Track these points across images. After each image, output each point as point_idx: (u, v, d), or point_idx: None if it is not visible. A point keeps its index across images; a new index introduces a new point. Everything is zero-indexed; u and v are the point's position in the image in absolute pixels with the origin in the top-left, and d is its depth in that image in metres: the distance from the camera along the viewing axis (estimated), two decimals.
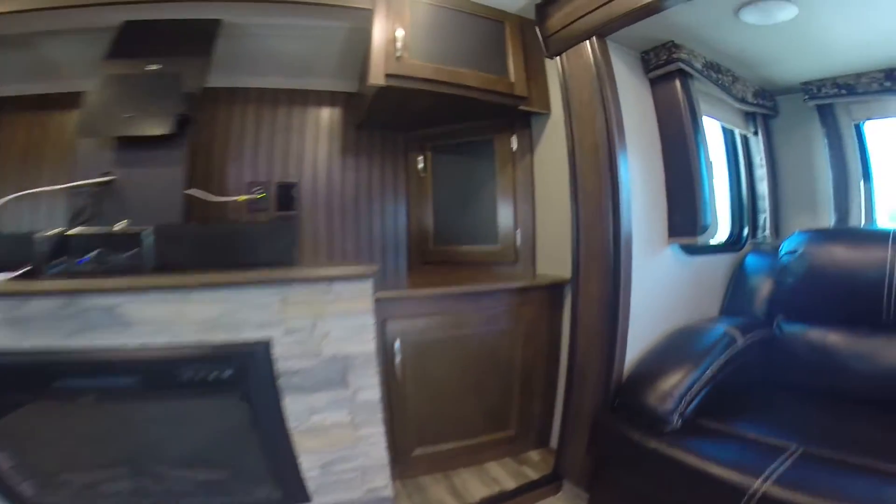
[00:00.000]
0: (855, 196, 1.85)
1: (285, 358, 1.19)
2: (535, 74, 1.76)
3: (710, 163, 1.60)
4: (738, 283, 1.87)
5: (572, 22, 1.56)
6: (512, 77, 1.70)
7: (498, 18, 1.72)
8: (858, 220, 1.85)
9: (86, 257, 1.20)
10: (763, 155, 1.99)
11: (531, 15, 1.72)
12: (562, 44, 1.61)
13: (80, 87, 1.69)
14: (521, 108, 1.74)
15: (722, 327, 1.58)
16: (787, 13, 1.38)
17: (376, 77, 1.49)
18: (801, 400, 1.46)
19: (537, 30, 1.69)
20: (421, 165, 2.02)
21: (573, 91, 1.58)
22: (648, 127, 1.64)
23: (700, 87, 1.66)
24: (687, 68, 1.57)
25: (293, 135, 1.97)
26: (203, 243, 1.28)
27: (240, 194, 1.85)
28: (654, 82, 1.64)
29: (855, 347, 1.50)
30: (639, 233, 1.52)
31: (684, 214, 1.58)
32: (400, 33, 1.50)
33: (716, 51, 1.65)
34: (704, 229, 1.58)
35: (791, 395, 1.49)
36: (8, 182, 1.78)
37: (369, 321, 1.27)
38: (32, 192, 1.42)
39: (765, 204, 1.98)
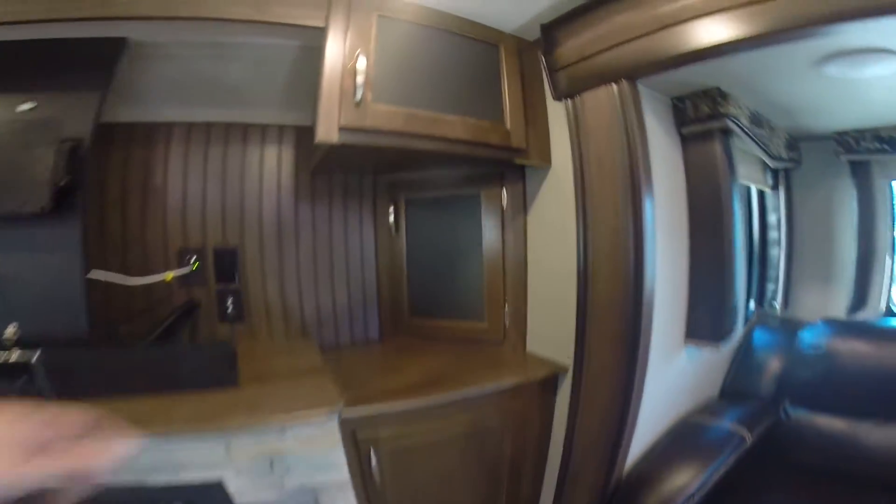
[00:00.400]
0: (878, 273, 1.62)
1: (242, 493, 0.96)
2: (535, 115, 1.36)
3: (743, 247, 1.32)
4: (743, 359, 1.70)
5: (592, 55, 1.18)
6: (508, 122, 1.30)
7: (492, 41, 1.30)
8: (878, 302, 1.64)
9: None
10: (780, 214, 1.72)
11: (530, 35, 1.31)
12: (576, 83, 1.23)
13: None
14: (518, 161, 1.35)
15: (728, 425, 1.44)
16: (883, 68, 1.06)
17: (327, 132, 1.05)
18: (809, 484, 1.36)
19: (542, 59, 1.29)
20: (392, 219, 1.60)
21: (588, 146, 1.22)
22: (675, 196, 1.31)
23: (739, 144, 1.34)
24: (733, 126, 1.23)
25: (232, 182, 1.48)
26: (113, 369, 1.06)
27: (167, 267, 1.38)
28: (687, 139, 1.30)
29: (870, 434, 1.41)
30: (654, 326, 1.23)
31: (710, 314, 1.30)
32: (362, 64, 1.06)
33: (764, 100, 1.32)
34: (729, 333, 1.31)
35: (798, 480, 1.38)
36: None
37: (339, 458, 1.05)
38: None
39: (777, 272, 1.73)
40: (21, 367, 0.95)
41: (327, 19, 1.07)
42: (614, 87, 1.15)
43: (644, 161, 1.14)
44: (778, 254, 1.71)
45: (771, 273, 1.73)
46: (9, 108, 1.10)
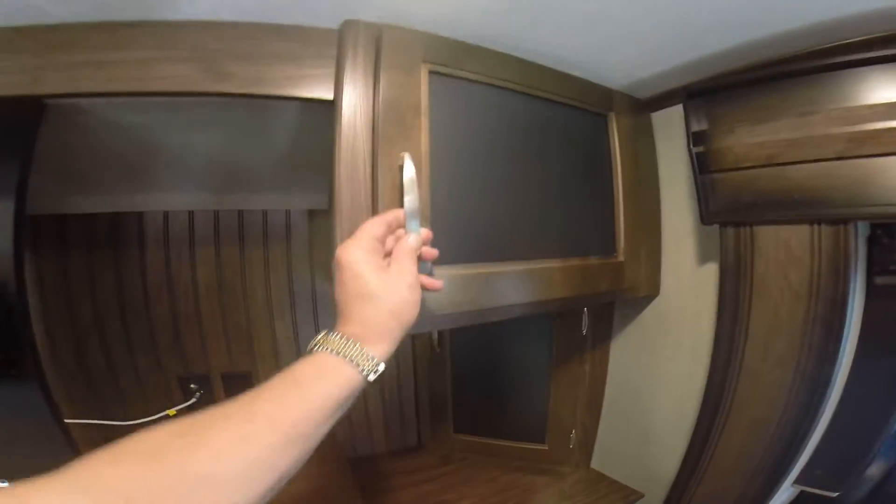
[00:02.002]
0: None
1: None
2: (642, 221, 0.98)
3: None
4: None
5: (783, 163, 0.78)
6: (621, 253, 0.92)
7: (602, 109, 0.90)
8: None
9: None
10: None
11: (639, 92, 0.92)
12: (748, 208, 0.83)
13: None
14: (622, 297, 0.99)
15: None
16: None
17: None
18: None
19: (692, 159, 0.87)
20: (435, 337, 1.26)
21: (754, 297, 0.85)
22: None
23: None
24: None
25: (234, 286, 1.14)
26: None
27: (168, 400, 1.10)
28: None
29: None
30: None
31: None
32: (410, 175, 0.61)
33: None
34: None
35: None
36: None
37: None
38: None
39: None
40: None
41: (339, 87, 0.65)
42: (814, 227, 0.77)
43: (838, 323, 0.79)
44: None
45: None
46: None
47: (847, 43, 0.72)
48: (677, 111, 0.89)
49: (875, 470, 1.03)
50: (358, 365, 0.44)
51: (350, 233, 0.53)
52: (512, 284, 0.76)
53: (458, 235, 0.70)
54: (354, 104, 0.65)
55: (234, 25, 0.65)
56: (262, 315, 1.16)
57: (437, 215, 0.68)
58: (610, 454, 1.23)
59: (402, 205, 0.58)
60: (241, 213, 1.12)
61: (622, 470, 1.20)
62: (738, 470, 0.91)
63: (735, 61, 0.82)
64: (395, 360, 1.33)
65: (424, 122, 0.68)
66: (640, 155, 0.96)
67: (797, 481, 1.09)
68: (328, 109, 0.66)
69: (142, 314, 1.07)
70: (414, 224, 0.57)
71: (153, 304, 1.07)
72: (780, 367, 0.83)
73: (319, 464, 1.21)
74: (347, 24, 0.66)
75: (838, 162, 0.72)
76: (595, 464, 1.26)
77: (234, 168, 1.00)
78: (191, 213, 1.08)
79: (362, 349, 0.45)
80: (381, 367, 0.46)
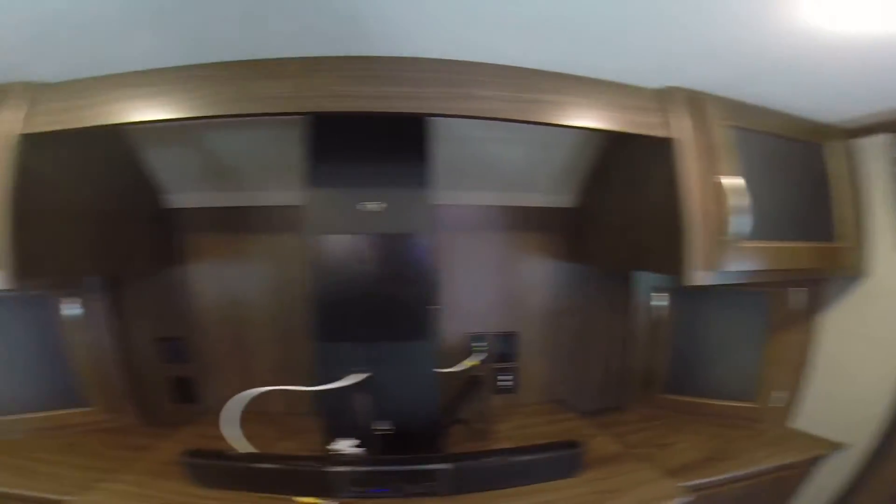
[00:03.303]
0: None
1: None
2: (855, 217, 1.30)
3: None
4: None
5: None
6: (841, 239, 1.26)
7: (815, 139, 1.26)
8: None
9: (384, 489, 1.08)
10: None
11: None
12: None
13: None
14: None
15: None
16: None
17: (698, 275, 1.05)
18: None
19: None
20: (663, 303, 1.61)
21: None
22: None
23: None
24: None
25: (506, 267, 1.58)
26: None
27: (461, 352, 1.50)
28: None
29: None
30: None
31: None
32: (734, 186, 1.03)
33: None
34: None
35: None
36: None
37: None
38: (281, 390, 1.15)
39: None
40: (425, 474, 1.09)
41: (680, 128, 1.06)
42: None
43: None
44: None
45: None
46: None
47: None
48: (881, 139, 1.24)
49: None
50: None
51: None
52: (787, 258, 1.14)
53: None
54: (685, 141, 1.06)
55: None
56: (526, 280, 1.63)
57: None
58: (814, 413, 1.47)
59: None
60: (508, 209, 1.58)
61: (825, 428, 1.42)
62: None
63: None
64: (616, 334, 1.69)
65: (726, 155, 1.08)
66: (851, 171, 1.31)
67: None
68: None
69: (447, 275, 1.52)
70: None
71: (457, 271, 1.55)
72: None
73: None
74: (671, 89, 1.09)
75: None
76: (800, 423, 1.49)
77: (521, 175, 1.46)
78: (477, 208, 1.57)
79: None
80: None
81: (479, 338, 1.57)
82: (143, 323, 1.54)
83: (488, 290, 1.59)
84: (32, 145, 0.98)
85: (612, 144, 1.38)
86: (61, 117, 0.97)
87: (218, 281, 1.54)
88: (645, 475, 1.19)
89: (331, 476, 1.07)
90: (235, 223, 1.52)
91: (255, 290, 1.54)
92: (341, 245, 1.09)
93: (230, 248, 1.53)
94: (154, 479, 1.15)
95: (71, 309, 1.43)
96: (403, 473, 1.09)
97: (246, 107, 0.95)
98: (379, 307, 1.12)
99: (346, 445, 1.16)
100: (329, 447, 1.16)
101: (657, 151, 1.09)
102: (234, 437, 1.17)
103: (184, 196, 1.48)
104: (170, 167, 1.40)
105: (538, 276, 1.62)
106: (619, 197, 1.37)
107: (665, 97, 1.08)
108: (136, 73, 0.97)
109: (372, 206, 1.10)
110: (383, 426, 1.18)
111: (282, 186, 1.46)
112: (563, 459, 1.18)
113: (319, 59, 0.94)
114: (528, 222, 1.59)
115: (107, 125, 0.96)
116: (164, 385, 1.56)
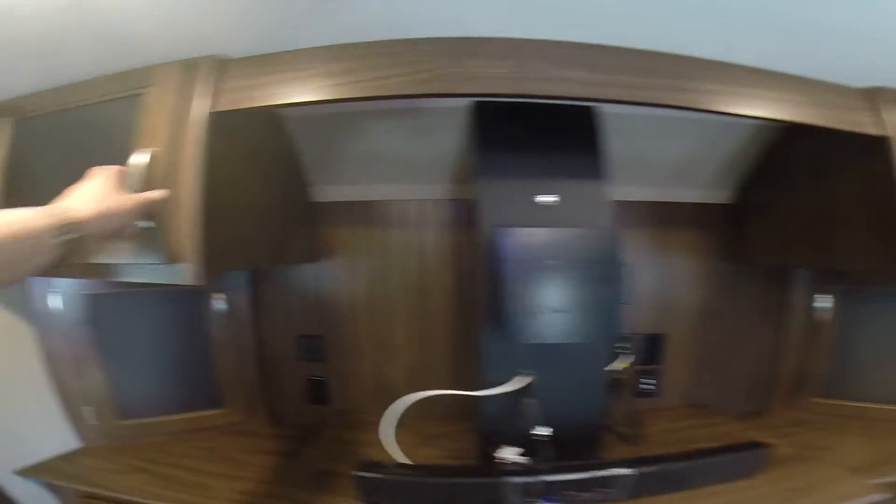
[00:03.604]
0: None
1: None
2: None
3: None
4: None
5: None
6: None
7: None
8: None
9: (552, 499, 1.02)
10: None
11: None
12: None
13: None
14: None
15: None
16: None
17: None
18: None
19: None
20: (826, 305, 1.53)
21: None
22: None
23: None
24: None
25: (655, 266, 1.52)
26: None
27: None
28: None
29: None
30: None
31: None
32: None
33: None
34: None
35: None
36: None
37: None
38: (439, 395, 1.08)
39: None
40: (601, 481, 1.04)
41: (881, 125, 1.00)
42: None
43: None
44: None
45: None
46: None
47: None
48: None
49: None
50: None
51: None
52: None
53: None
54: None
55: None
56: (675, 281, 1.55)
57: None
58: None
59: None
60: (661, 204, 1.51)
61: None
62: None
63: None
64: (767, 337, 1.62)
65: None
66: None
67: None
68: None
69: None
70: None
71: None
72: None
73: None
74: (880, 89, 1.03)
75: None
76: None
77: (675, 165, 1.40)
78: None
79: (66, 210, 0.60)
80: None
81: (624, 339, 1.51)
82: (282, 320, 1.49)
83: (636, 289, 1.52)
84: (216, 128, 0.87)
85: (784, 139, 1.32)
86: (248, 94, 0.87)
87: (356, 278, 1.49)
88: (831, 473, 1.14)
89: (506, 487, 1.00)
90: (375, 218, 1.47)
91: (393, 288, 1.49)
92: (522, 238, 1.01)
93: (369, 244, 1.48)
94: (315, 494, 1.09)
95: (218, 304, 1.38)
96: (579, 481, 1.03)
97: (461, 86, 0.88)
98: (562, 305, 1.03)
99: (511, 453, 1.10)
100: (495, 455, 1.09)
101: (864, 149, 1.03)
102: (391, 446, 1.10)
103: (328, 189, 1.43)
104: (320, 158, 1.35)
105: (688, 275, 1.55)
106: (798, 193, 1.30)
107: (874, 96, 1.03)
108: (327, 47, 0.88)
109: (547, 198, 1.07)
110: (544, 431, 1.11)
111: (423, 180, 1.41)
112: (746, 460, 1.13)
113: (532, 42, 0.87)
114: (681, 219, 1.51)
115: (300, 103, 0.86)
116: (299, 385, 1.51)
